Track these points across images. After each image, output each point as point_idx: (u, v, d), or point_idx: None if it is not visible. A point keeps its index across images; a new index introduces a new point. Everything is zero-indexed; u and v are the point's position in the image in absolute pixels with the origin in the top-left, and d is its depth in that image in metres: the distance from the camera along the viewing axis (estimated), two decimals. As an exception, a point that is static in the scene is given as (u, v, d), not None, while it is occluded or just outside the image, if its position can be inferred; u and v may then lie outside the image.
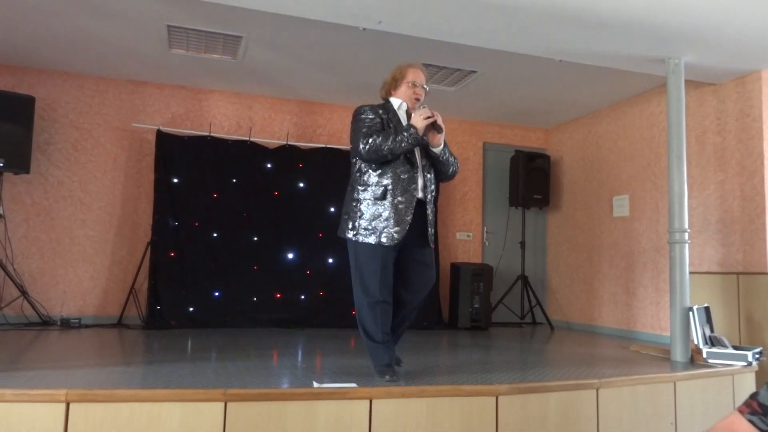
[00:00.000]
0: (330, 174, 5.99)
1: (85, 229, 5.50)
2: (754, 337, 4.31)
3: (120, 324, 5.31)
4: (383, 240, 2.90)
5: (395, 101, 3.15)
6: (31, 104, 5.08)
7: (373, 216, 2.92)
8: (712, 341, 3.95)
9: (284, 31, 4.45)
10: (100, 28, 4.51)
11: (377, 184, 2.94)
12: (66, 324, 5.06)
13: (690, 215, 4.49)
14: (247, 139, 5.86)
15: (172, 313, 5.29)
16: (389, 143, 2.87)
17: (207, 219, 5.58)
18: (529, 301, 6.46)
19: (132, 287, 5.43)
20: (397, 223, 2.90)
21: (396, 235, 2.90)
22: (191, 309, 5.36)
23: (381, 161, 2.93)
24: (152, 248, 5.43)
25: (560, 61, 4.53)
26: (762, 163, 4.45)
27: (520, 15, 3.69)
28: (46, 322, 5.11)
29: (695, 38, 3.96)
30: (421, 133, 2.94)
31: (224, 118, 5.98)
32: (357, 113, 3.04)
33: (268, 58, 5.03)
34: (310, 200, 5.92)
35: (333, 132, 6.31)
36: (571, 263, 6.58)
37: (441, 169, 3.15)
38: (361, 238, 2.93)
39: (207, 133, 5.74)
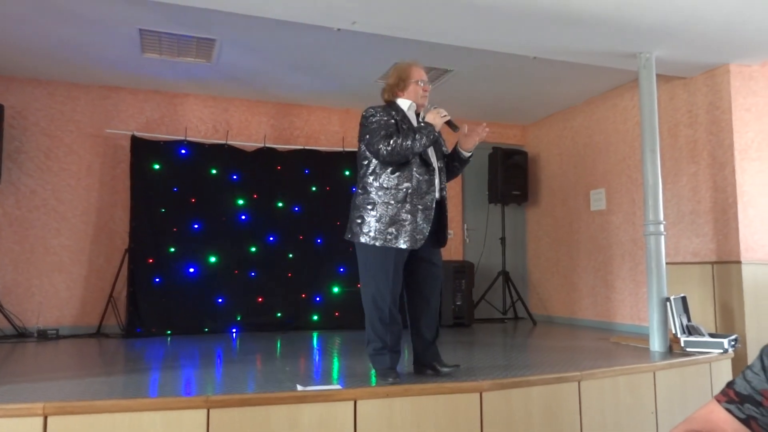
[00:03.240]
0: (308, 175, 5.98)
1: (60, 239, 5.40)
2: (729, 324, 4.40)
3: (99, 333, 5.22)
4: (404, 245, 2.86)
5: (404, 102, 3.10)
6: (0, 112, 4.97)
7: (393, 220, 2.87)
8: (690, 330, 4.02)
9: (258, 33, 4.42)
10: (71, 34, 4.43)
11: (396, 187, 2.90)
12: (43, 335, 4.96)
13: (665, 207, 4.56)
14: (224, 142, 5.81)
15: (151, 320, 5.22)
16: (409, 142, 2.84)
17: (185, 224, 5.52)
18: (511, 296, 6.51)
19: (110, 296, 5.35)
20: (419, 227, 2.89)
21: (419, 238, 2.89)
22: (171, 316, 5.29)
23: (402, 161, 2.90)
24: (130, 256, 5.35)
25: (534, 58, 4.57)
26: (732, 154, 4.55)
27: (494, 13, 3.71)
28: (22, 335, 5.01)
29: (665, 33, 4.03)
30: (437, 130, 2.95)
31: (200, 122, 5.92)
32: (368, 115, 2.99)
33: (243, 60, 4.99)
34: (289, 202, 5.89)
35: (311, 133, 6.29)
36: (551, 258, 6.64)
37: (455, 172, 3.20)
38: (379, 243, 2.87)
39: (183, 138, 5.68)
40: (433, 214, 2.95)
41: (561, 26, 3.91)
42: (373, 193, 2.93)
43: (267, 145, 5.95)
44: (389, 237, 2.86)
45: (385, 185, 2.91)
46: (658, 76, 4.42)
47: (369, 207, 2.92)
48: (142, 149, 5.52)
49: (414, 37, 4.12)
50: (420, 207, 2.91)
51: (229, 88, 5.73)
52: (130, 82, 5.56)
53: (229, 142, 5.84)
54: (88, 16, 4.12)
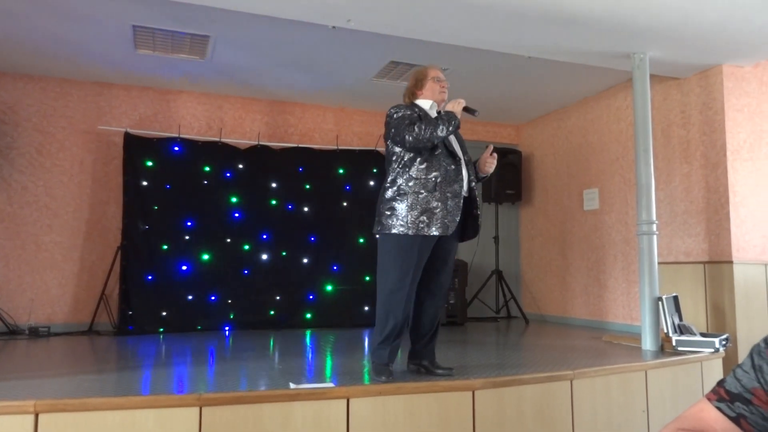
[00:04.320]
0: (302, 174, 5.97)
1: (52, 235, 5.37)
2: (721, 324, 4.43)
3: (91, 331, 5.19)
4: (436, 231, 2.92)
5: (424, 102, 3.18)
6: (-8, 108, 4.94)
7: (424, 208, 2.94)
8: (681, 329, 4.04)
9: (252, 30, 4.40)
10: (63, 29, 4.40)
11: (426, 176, 2.97)
12: (35, 333, 4.93)
13: (657, 207, 4.58)
14: (217, 140, 5.79)
15: (144, 318, 5.20)
16: (431, 127, 2.92)
17: (178, 222, 5.49)
18: (504, 295, 6.52)
19: (102, 293, 5.32)
20: (450, 214, 2.95)
21: (450, 225, 2.94)
22: (163, 313, 5.27)
23: (427, 147, 2.97)
24: (122, 253, 5.33)
25: (529, 57, 4.58)
26: (725, 155, 4.57)
27: (488, 12, 3.71)
28: (13, 332, 4.98)
29: (659, 34, 4.04)
30: (459, 116, 3.03)
31: (194, 119, 5.89)
32: (392, 112, 3.07)
33: (237, 57, 4.97)
34: (283, 200, 5.88)
35: (305, 131, 6.27)
36: (544, 257, 6.66)
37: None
38: (412, 231, 2.92)
39: (176, 135, 5.65)
40: (462, 202, 3.01)
41: (555, 26, 3.92)
42: (403, 184, 2.99)
43: (261, 143, 5.94)
44: (421, 225, 2.93)
45: (414, 176, 2.98)
46: (651, 76, 4.44)
47: (399, 198, 2.98)
48: (135, 146, 5.49)
49: (409, 35, 4.11)
50: (449, 194, 2.98)
51: (223, 85, 5.71)
52: (123, 78, 5.53)
53: (223, 140, 5.82)
54: (80, 11, 4.09)
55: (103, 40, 4.60)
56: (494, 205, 6.75)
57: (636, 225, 4.32)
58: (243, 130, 6.02)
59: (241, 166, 5.80)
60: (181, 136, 5.67)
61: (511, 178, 6.69)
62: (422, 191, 2.95)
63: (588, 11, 3.69)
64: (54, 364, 3.53)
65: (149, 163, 5.49)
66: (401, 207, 2.96)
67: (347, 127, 6.43)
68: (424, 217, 2.93)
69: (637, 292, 5.18)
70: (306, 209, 5.91)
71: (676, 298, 4.24)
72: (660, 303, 4.04)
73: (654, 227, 4.20)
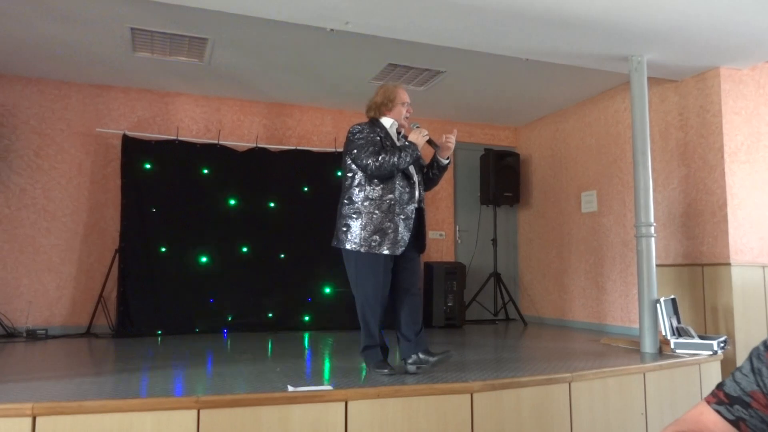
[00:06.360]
0: (300, 176, 5.97)
1: (50, 238, 5.36)
2: (719, 326, 4.43)
3: (89, 333, 5.19)
4: (387, 251, 3.06)
5: (386, 121, 3.31)
6: (-10, 110, 4.93)
7: (377, 228, 3.08)
8: (679, 332, 4.04)
9: (251, 33, 4.41)
10: (62, 32, 4.39)
11: (381, 198, 3.11)
12: (32, 335, 4.92)
13: (655, 209, 4.59)
14: (215, 142, 5.79)
15: (142, 320, 5.20)
16: (395, 159, 3.06)
17: (176, 224, 5.49)
18: (502, 297, 6.52)
19: (100, 295, 5.31)
20: (402, 235, 3.09)
21: (399, 245, 3.08)
22: (162, 316, 5.26)
23: (388, 176, 3.11)
24: (120, 255, 5.32)
25: (527, 60, 4.59)
26: (722, 157, 4.58)
27: (486, 15, 3.72)
28: (11, 334, 4.97)
29: (656, 37, 4.06)
30: (420, 149, 3.16)
31: (192, 122, 5.89)
32: (356, 131, 3.18)
33: (236, 60, 4.97)
34: (281, 202, 5.88)
35: (303, 134, 6.28)
36: (542, 259, 6.67)
37: (434, 180, 3.40)
38: (364, 249, 3.06)
39: (174, 137, 5.65)
40: (413, 223, 3.17)
41: (553, 29, 3.93)
42: (359, 203, 3.12)
43: (259, 145, 5.94)
44: (373, 244, 3.07)
45: (370, 196, 3.12)
46: (649, 78, 4.45)
47: (355, 216, 3.12)
48: (133, 148, 5.49)
49: (407, 38, 4.12)
50: (402, 217, 3.12)
51: (222, 87, 5.71)
52: (121, 80, 5.53)
53: (221, 142, 5.82)
54: (79, 14, 4.09)
55: (101, 42, 4.60)
56: (492, 207, 6.75)
57: (634, 227, 4.32)
58: (241, 133, 6.02)
59: (239, 168, 5.80)
60: (180, 138, 5.67)
61: (509, 181, 6.70)
62: (377, 211, 3.09)
63: (585, 14, 3.70)
64: (51, 366, 3.52)
65: (147, 166, 5.49)
66: (355, 225, 3.10)
67: (345, 130, 6.39)
68: (377, 237, 3.07)
69: (635, 295, 5.18)
70: (304, 211, 5.90)
71: (674, 301, 4.25)
72: (658, 305, 4.05)
73: (652, 229, 4.21)
